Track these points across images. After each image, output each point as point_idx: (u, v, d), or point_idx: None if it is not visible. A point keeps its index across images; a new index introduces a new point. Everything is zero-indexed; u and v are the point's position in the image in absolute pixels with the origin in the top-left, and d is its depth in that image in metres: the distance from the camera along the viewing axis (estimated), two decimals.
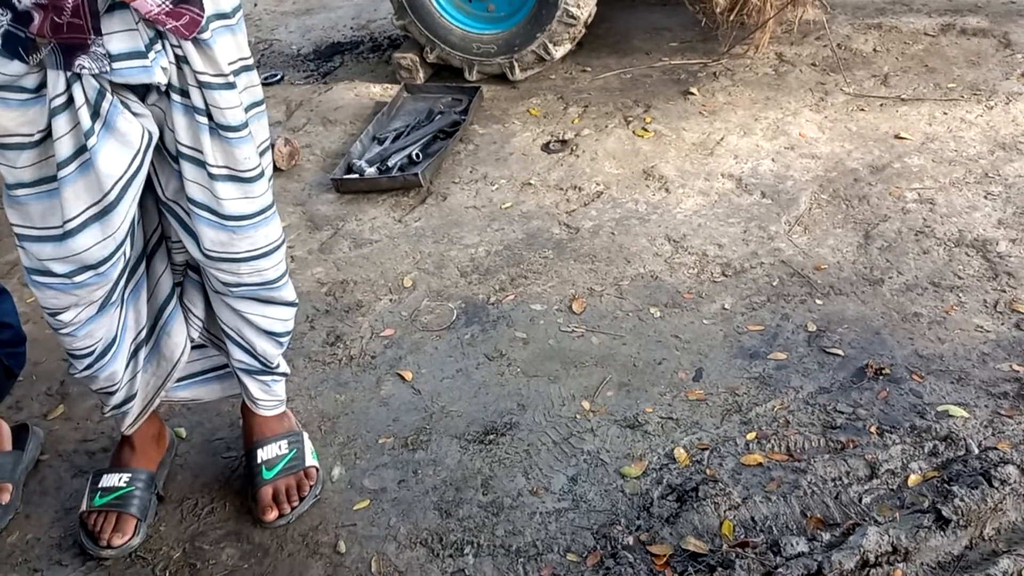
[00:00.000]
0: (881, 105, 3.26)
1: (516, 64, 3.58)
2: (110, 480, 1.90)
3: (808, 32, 3.77)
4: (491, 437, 2.06)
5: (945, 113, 3.17)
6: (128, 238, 1.60)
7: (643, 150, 3.14)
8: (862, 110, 3.24)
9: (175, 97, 1.53)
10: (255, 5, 4.86)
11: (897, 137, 3.07)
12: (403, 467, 2.01)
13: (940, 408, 2.01)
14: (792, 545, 1.69)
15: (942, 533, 1.68)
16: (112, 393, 1.79)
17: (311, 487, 1.94)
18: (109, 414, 1.86)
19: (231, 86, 1.54)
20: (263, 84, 3.88)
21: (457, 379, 2.24)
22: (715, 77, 3.56)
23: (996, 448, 1.86)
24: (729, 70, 3.59)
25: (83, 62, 1.41)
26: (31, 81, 1.44)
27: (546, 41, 3.50)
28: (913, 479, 1.83)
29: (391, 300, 2.55)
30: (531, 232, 2.78)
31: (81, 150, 1.47)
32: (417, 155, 3.16)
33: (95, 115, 1.46)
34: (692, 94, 3.45)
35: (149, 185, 1.65)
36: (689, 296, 2.45)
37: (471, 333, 2.39)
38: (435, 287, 2.59)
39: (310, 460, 1.97)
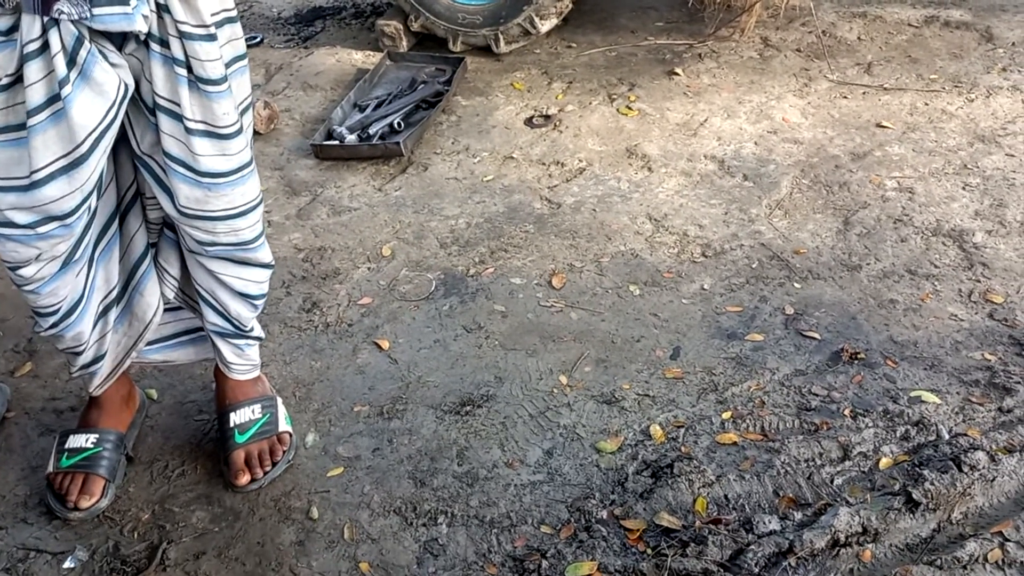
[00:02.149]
0: (864, 93, 3.28)
1: (501, 36, 3.54)
2: (77, 441, 1.87)
3: (794, 18, 3.77)
4: (467, 408, 2.05)
5: (926, 104, 3.19)
6: (95, 191, 1.55)
7: (627, 128, 3.13)
8: (845, 97, 3.25)
9: (154, 47, 1.48)
10: None
11: (879, 125, 3.08)
12: (378, 435, 2.00)
13: (913, 394, 2.03)
14: (764, 523, 1.71)
15: (911, 515, 1.70)
16: (79, 353, 1.75)
17: (284, 452, 1.92)
18: (77, 374, 1.82)
19: (212, 38, 1.49)
20: None
21: (434, 350, 2.23)
22: (700, 59, 3.55)
23: (966, 434, 1.89)
24: (714, 52, 3.58)
25: (62, 7, 1.36)
26: (2, 24, 1.39)
27: (532, 14, 3.46)
28: (884, 462, 1.85)
29: (369, 268, 2.53)
30: (512, 206, 2.76)
31: (54, 99, 1.42)
32: (398, 124, 3.13)
33: (71, 63, 1.41)
34: (677, 74, 3.44)
35: (124, 139, 1.60)
36: (669, 275, 2.45)
37: (449, 304, 2.38)
38: (414, 257, 2.56)
39: (283, 425, 1.95)
